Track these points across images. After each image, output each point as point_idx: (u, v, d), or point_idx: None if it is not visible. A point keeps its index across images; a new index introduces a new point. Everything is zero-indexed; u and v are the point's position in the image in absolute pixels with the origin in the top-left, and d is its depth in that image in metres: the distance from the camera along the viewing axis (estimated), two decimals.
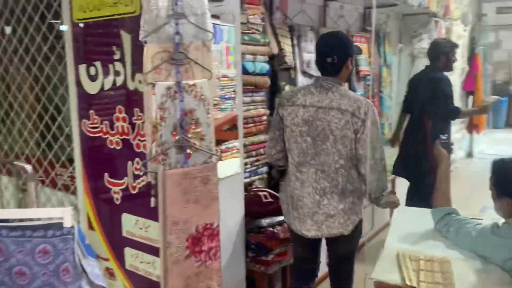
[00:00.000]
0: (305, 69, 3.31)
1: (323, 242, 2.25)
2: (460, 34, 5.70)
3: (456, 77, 5.73)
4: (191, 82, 1.64)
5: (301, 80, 3.27)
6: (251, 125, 2.56)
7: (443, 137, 2.12)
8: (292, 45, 3.19)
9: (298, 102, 2.07)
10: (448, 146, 2.09)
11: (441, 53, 3.44)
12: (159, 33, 1.55)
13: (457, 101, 5.98)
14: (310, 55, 3.35)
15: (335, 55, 2.01)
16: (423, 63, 4.84)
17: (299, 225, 2.11)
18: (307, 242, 2.18)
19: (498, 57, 9.25)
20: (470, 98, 6.37)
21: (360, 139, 1.99)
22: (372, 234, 3.78)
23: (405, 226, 2.06)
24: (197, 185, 1.70)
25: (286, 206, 2.18)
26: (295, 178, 2.10)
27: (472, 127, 6.46)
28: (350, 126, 1.98)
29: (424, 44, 4.79)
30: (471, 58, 6.22)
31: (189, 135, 1.68)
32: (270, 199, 2.43)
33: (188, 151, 1.69)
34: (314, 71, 3.40)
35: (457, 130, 6.08)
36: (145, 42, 1.55)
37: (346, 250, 2.21)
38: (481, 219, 1.90)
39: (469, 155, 6.97)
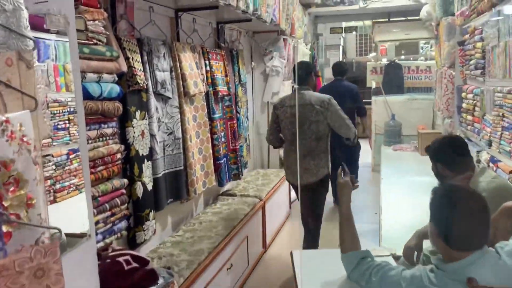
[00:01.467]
0: (159, 90, 2.77)
1: None
2: (305, 52, 5.82)
3: None
4: (1, 117, 0.99)
5: (155, 104, 2.73)
6: (101, 167, 1.92)
7: (346, 168, 1.82)
8: (143, 62, 2.63)
9: (286, 104, 3.34)
10: (352, 178, 1.80)
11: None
12: None
13: None
14: (164, 74, 2.83)
15: (309, 71, 3.37)
16: (276, 81, 4.72)
17: (291, 178, 3.42)
18: (296, 189, 3.36)
19: (328, 75, 9.98)
20: None
21: (329, 121, 3.22)
22: None
23: (315, 274, 1.69)
24: (26, 284, 1.04)
25: (284, 168, 3.55)
26: (289, 149, 3.38)
27: None
28: (318, 114, 3.21)
29: (276, 62, 4.68)
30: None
31: (6, 203, 1.03)
32: (134, 264, 1.82)
33: (5, 229, 1.03)
34: (170, 92, 2.89)
35: None
36: None
37: (314, 197, 3.34)
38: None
39: None
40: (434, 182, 4.32)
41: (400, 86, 8.01)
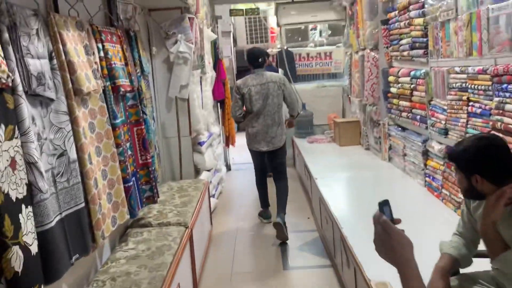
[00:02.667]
0: (35, 89, 1.72)
1: None
2: (210, 36, 4.97)
3: (208, 87, 4.96)
4: None
5: (29, 112, 1.67)
6: None
7: None
8: (1, 43, 1.57)
9: (250, 84, 4.01)
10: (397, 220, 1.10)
11: None
12: None
13: (212, 112, 5.27)
14: (40, 63, 1.78)
15: (262, 57, 4.14)
16: (185, 71, 3.81)
17: (257, 145, 4.09)
18: (261, 155, 4.18)
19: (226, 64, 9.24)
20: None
21: (285, 94, 4.06)
22: None
23: None
24: None
25: (248, 138, 4.16)
26: (254, 121, 4.04)
27: (228, 142, 5.93)
28: (279, 88, 4.02)
29: (182, 47, 3.76)
30: (216, 64, 5.61)
31: None
32: None
33: None
34: (53, 90, 1.85)
35: (216, 145, 5.37)
36: None
37: (281, 156, 4.20)
38: None
39: (228, 168, 6.46)
40: (371, 174, 4.15)
41: (293, 75, 7.62)
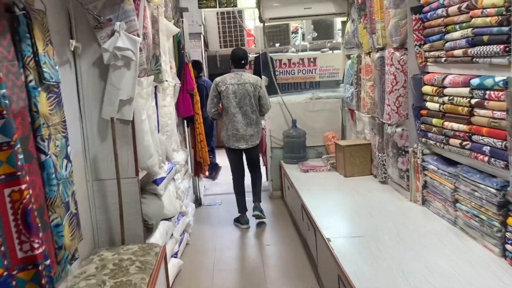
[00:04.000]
0: None
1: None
2: (171, 29, 3.62)
3: (169, 100, 3.61)
4: None
5: None
6: None
7: None
8: None
9: (228, 83, 4.16)
10: None
11: None
12: None
13: (175, 134, 3.90)
14: None
15: (245, 59, 4.35)
16: (127, 77, 2.46)
17: (237, 144, 4.23)
18: (239, 152, 4.33)
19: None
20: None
21: (260, 96, 4.23)
22: None
23: None
24: None
25: (227, 137, 4.26)
26: (232, 120, 4.18)
27: (198, 170, 4.58)
28: (255, 89, 4.20)
29: (123, 41, 2.40)
30: (182, 70, 4.27)
31: None
32: None
33: None
34: None
35: (181, 179, 4.03)
36: None
37: (257, 152, 4.46)
38: None
39: (199, 203, 5.08)
40: (402, 226, 2.83)
41: (273, 84, 6.38)
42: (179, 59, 4.27)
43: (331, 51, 9.61)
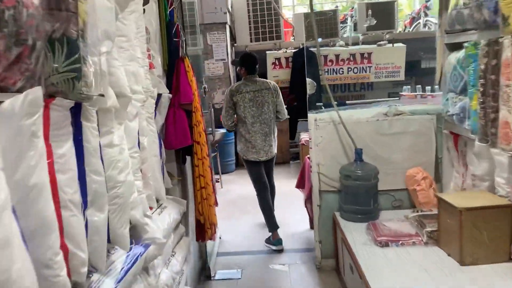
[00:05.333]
0: None
1: None
2: (105, 4, 1.88)
3: (120, 135, 1.88)
4: None
5: None
6: None
7: None
8: None
9: (244, 91, 3.87)
10: None
11: None
12: None
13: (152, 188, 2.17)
14: None
15: (257, 63, 3.97)
16: None
17: (256, 155, 3.91)
18: (260, 164, 3.97)
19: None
20: None
21: (277, 102, 3.94)
22: None
23: None
24: None
25: (245, 148, 3.93)
26: (251, 131, 3.88)
27: (205, 233, 2.83)
28: (273, 96, 3.91)
29: None
30: (174, 71, 2.54)
31: None
32: None
33: None
34: None
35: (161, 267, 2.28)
36: None
37: (273, 164, 4.14)
38: None
39: (207, 276, 3.33)
40: None
41: (324, 91, 4.61)
42: (170, 53, 2.55)
43: (390, 44, 7.70)
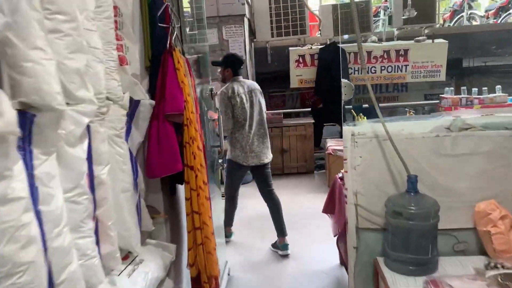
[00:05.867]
0: None
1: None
2: None
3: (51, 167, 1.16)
4: None
5: None
6: None
7: None
8: None
9: (240, 92, 3.78)
10: None
11: None
12: None
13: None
14: None
15: (243, 64, 3.98)
16: None
17: (256, 159, 3.82)
18: (245, 172, 3.96)
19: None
20: None
21: (261, 103, 3.94)
22: None
23: None
24: None
25: (244, 154, 3.80)
26: (249, 134, 3.79)
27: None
28: (262, 96, 3.94)
29: None
30: (159, 68, 1.81)
31: None
32: None
33: None
34: None
35: None
36: None
37: (269, 169, 3.99)
38: None
39: None
40: None
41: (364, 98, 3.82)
42: (153, 44, 1.84)
43: (430, 40, 6.83)
